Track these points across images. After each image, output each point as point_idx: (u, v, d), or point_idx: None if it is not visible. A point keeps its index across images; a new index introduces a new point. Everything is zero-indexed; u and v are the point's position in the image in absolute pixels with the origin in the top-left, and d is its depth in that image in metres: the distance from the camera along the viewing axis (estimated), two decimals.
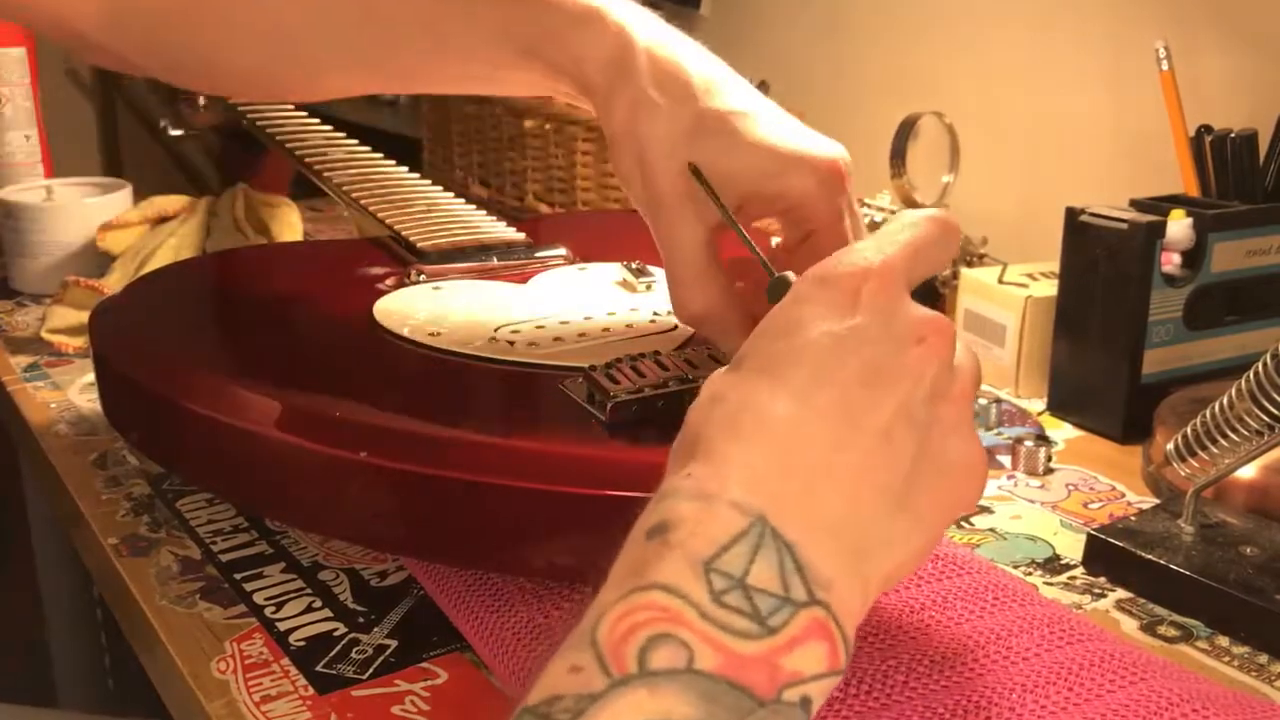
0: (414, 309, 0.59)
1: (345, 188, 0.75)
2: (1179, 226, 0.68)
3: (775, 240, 0.53)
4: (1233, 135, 0.72)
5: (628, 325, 0.56)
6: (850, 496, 0.33)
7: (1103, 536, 0.54)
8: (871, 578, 0.33)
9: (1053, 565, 0.55)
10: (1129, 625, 0.50)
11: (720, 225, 0.49)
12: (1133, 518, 0.56)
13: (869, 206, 0.89)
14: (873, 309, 0.35)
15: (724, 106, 0.48)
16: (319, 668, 0.46)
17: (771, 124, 0.49)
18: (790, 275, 0.41)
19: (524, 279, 0.64)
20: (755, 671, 0.28)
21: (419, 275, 0.64)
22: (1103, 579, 0.54)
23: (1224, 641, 0.49)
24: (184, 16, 0.55)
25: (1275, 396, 0.49)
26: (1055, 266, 0.73)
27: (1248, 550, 0.52)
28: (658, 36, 0.50)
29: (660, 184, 0.49)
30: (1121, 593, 0.53)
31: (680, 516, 0.31)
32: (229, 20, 0.55)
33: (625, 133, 0.49)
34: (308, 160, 0.79)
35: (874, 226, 0.89)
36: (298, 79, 0.58)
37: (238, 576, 0.52)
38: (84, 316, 0.72)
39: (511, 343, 0.54)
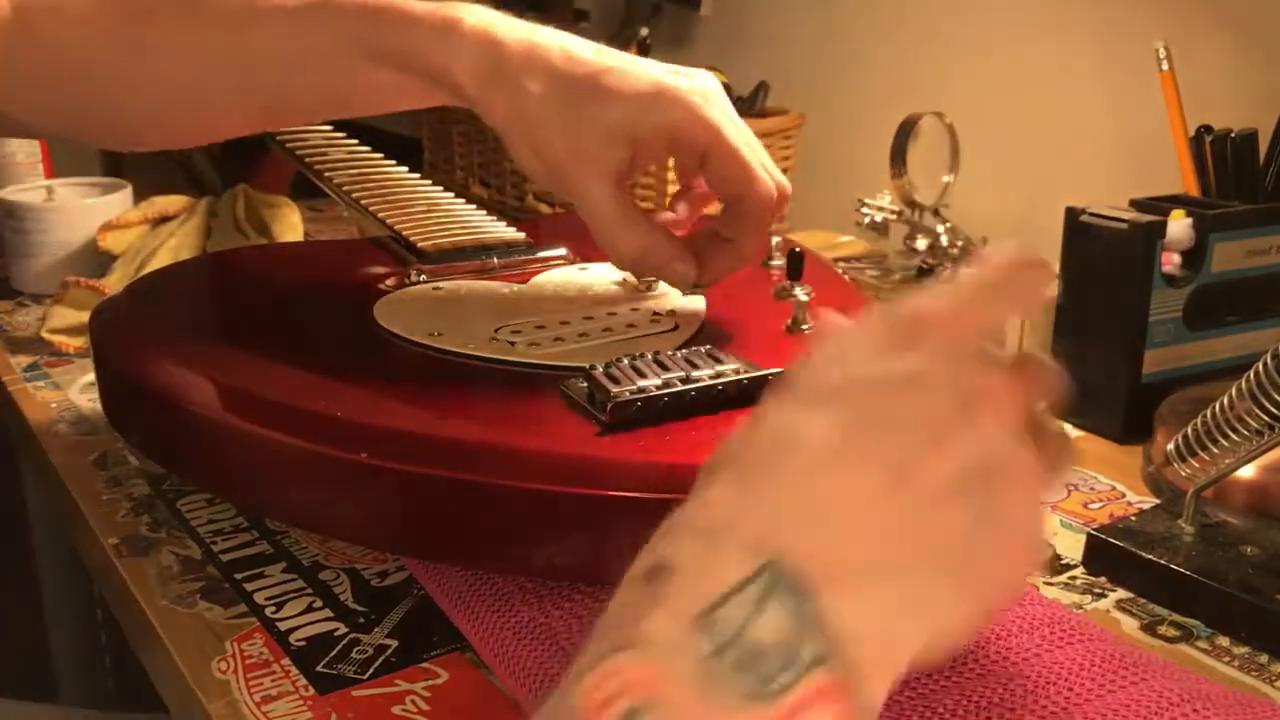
0: (414, 309, 0.59)
1: (345, 188, 0.75)
2: (1179, 226, 0.68)
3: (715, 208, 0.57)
4: (1233, 135, 0.72)
5: (628, 325, 0.56)
6: (888, 552, 0.29)
7: (1103, 536, 0.54)
8: (906, 645, 0.29)
9: (1053, 565, 0.55)
10: (1129, 625, 0.50)
11: (623, 174, 0.53)
12: (1133, 518, 0.56)
13: (869, 206, 0.89)
14: (936, 352, 0.32)
15: (587, 70, 0.53)
16: (319, 668, 0.46)
17: (632, 71, 0.53)
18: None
19: (524, 279, 0.64)
20: None
21: (419, 275, 0.64)
22: (1103, 579, 0.54)
23: (1224, 641, 0.49)
24: (78, 77, 0.58)
25: (1275, 396, 0.49)
26: (1055, 266, 0.73)
27: (1248, 550, 0.52)
28: (515, 31, 0.54)
29: (556, 157, 0.53)
30: (1122, 593, 0.53)
31: (682, 558, 0.28)
32: (120, 76, 0.58)
33: (510, 125, 0.53)
34: (308, 160, 0.79)
35: (874, 226, 0.89)
36: (191, 124, 0.61)
37: (238, 576, 0.52)
38: (84, 316, 0.72)
39: (512, 343, 0.54)
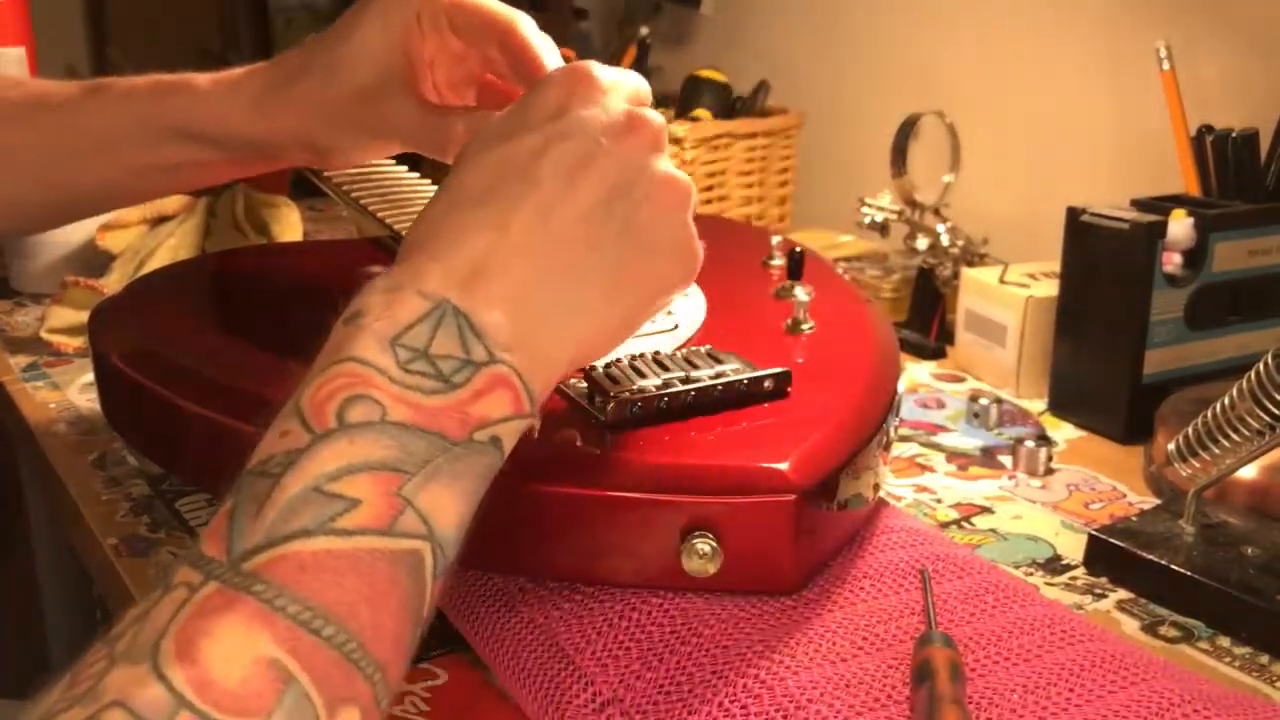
0: None
1: (345, 188, 0.75)
2: (1180, 226, 0.68)
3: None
4: (1234, 135, 0.72)
5: None
6: (540, 272, 0.37)
7: (1104, 537, 0.54)
8: (564, 342, 0.38)
9: (1054, 566, 0.55)
10: (1130, 626, 0.50)
11: (415, 75, 0.52)
12: (1134, 518, 0.56)
13: (869, 206, 0.89)
14: (575, 108, 0.39)
15: (336, 24, 0.53)
16: None
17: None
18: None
19: None
20: (446, 419, 0.33)
21: None
22: (1104, 579, 0.54)
23: (1225, 642, 0.49)
24: None
25: (1276, 396, 0.49)
26: (1056, 266, 0.73)
27: (1249, 550, 0.52)
28: (263, 65, 0.55)
29: (357, 113, 0.53)
30: (1123, 593, 0.53)
31: (371, 304, 0.35)
32: None
33: (292, 123, 0.53)
34: None
35: (874, 226, 0.89)
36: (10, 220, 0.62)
37: None
38: (83, 316, 0.72)
39: None
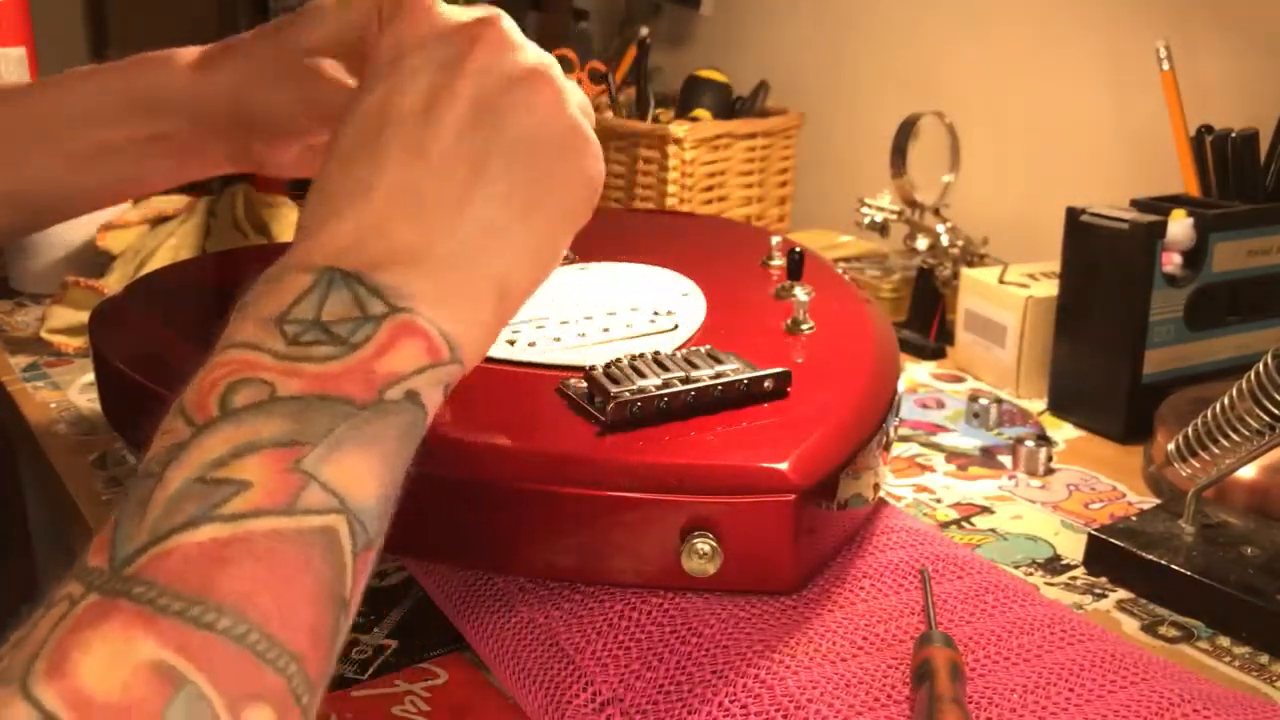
0: None
1: None
2: (1180, 226, 0.68)
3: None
4: (1233, 135, 0.72)
5: (628, 325, 0.56)
6: (429, 213, 0.35)
7: (1104, 537, 0.54)
8: (481, 277, 0.36)
9: (1053, 565, 0.55)
10: (1130, 625, 0.50)
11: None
12: (1133, 518, 0.56)
13: (869, 206, 0.89)
14: (408, 42, 0.38)
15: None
16: None
17: None
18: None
19: None
20: (349, 382, 0.31)
21: None
22: (1104, 579, 0.54)
23: (1225, 642, 0.49)
24: None
25: (1276, 396, 0.49)
26: (1056, 266, 0.73)
27: (1248, 550, 0.52)
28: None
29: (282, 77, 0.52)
30: (1122, 593, 0.53)
31: (256, 292, 0.33)
32: None
33: (238, 97, 0.53)
34: None
35: (874, 226, 0.89)
36: None
37: None
38: (84, 316, 0.72)
39: (512, 342, 0.54)
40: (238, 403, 0.30)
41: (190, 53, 0.54)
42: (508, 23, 0.39)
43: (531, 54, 0.39)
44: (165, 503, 0.28)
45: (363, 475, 0.30)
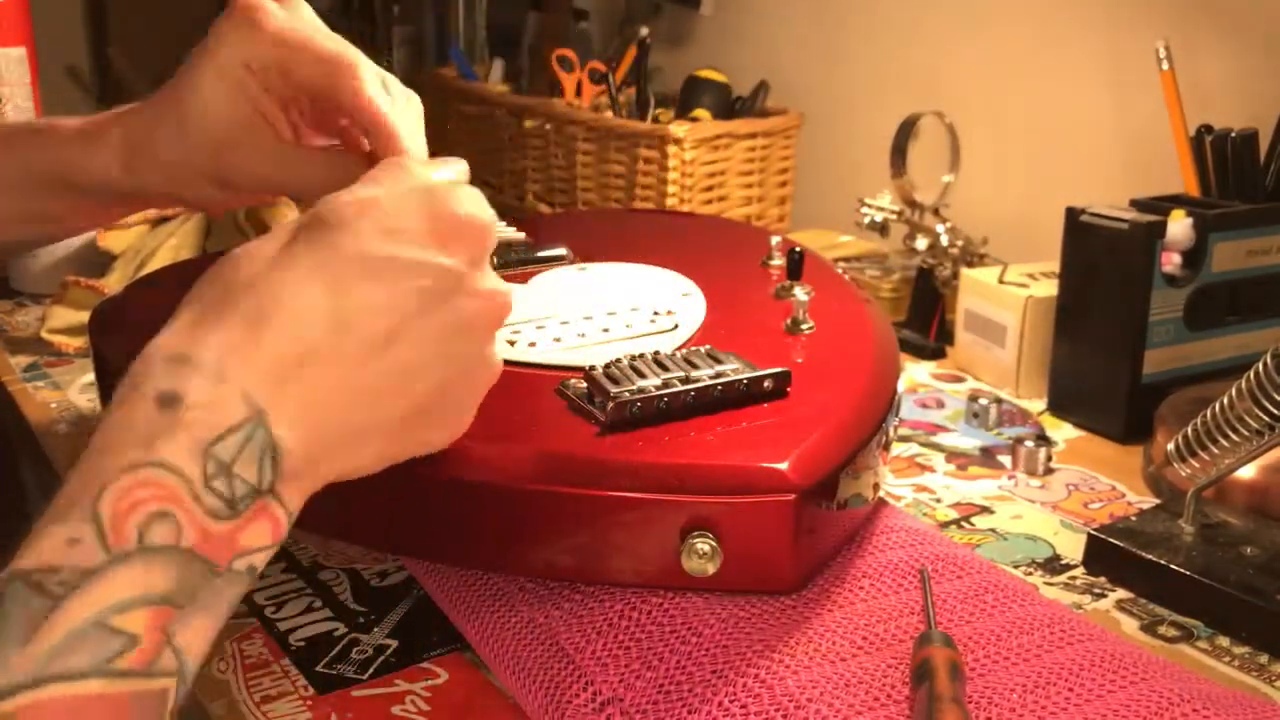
0: None
1: None
2: (1179, 226, 0.68)
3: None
4: (1233, 135, 0.72)
5: (627, 325, 0.56)
6: (343, 389, 0.36)
7: (1103, 536, 0.54)
8: (344, 463, 0.37)
9: (1053, 565, 0.55)
10: (1129, 625, 0.50)
11: (266, 116, 0.50)
12: (1133, 518, 0.56)
13: (869, 206, 0.89)
14: (383, 231, 0.38)
15: (181, 69, 0.51)
16: (319, 668, 0.46)
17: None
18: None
19: (525, 279, 0.64)
20: (218, 547, 0.32)
21: None
22: (1103, 579, 0.54)
23: (1224, 641, 0.49)
24: None
25: (1275, 396, 0.49)
26: (1055, 266, 0.73)
27: (1248, 550, 0.52)
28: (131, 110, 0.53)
29: (202, 138, 0.50)
30: (1122, 593, 0.53)
31: (196, 394, 0.33)
32: None
33: (155, 147, 0.51)
34: None
35: (874, 226, 0.89)
36: None
37: None
38: (84, 316, 0.72)
39: (512, 343, 0.54)
40: (153, 540, 0.31)
41: (105, 138, 0.53)
42: (480, 232, 0.40)
43: (489, 279, 0.40)
44: (61, 639, 0.28)
45: (202, 640, 0.32)
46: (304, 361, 0.35)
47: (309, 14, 0.50)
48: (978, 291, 0.79)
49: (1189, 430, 0.53)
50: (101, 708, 0.28)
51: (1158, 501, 0.61)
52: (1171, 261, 0.69)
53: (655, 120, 1.06)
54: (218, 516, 0.32)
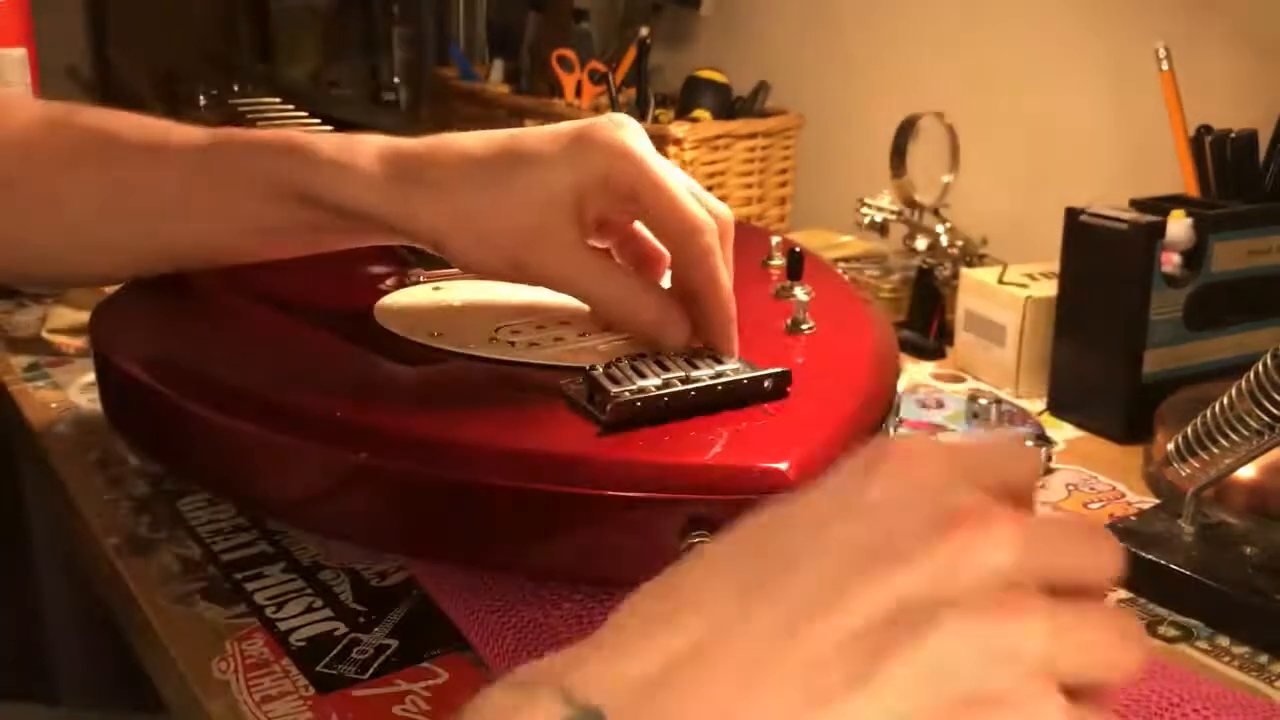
0: (414, 310, 0.58)
1: None
2: (1179, 226, 0.68)
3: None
4: (1233, 135, 0.72)
5: None
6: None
7: None
8: None
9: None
10: None
11: (583, 234, 0.49)
12: (1133, 518, 0.56)
13: (869, 207, 0.89)
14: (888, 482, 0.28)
15: (499, 140, 0.50)
16: (320, 668, 0.46)
17: (544, 129, 0.50)
18: None
19: None
20: None
21: (419, 275, 0.64)
22: None
23: (1224, 641, 0.49)
24: None
25: (1275, 396, 0.49)
26: (1055, 267, 0.73)
27: (1248, 550, 0.52)
28: (412, 139, 0.51)
29: (506, 242, 0.49)
30: (1121, 592, 0.53)
31: (490, 707, 0.26)
32: (32, 222, 0.58)
33: (442, 228, 0.50)
34: None
35: (874, 226, 0.89)
36: (87, 266, 0.61)
37: (238, 576, 0.52)
38: (84, 316, 0.72)
39: (512, 343, 0.54)
40: None
41: (369, 168, 0.51)
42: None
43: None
44: None
45: None
46: (645, 642, 0.27)
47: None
48: (977, 291, 0.79)
49: (1189, 430, 0.53)
50: None
51: (1158, 501, 0.61)
52: (1171, 261, 0.69)
53: (655, 120, 1.06)
54: None
